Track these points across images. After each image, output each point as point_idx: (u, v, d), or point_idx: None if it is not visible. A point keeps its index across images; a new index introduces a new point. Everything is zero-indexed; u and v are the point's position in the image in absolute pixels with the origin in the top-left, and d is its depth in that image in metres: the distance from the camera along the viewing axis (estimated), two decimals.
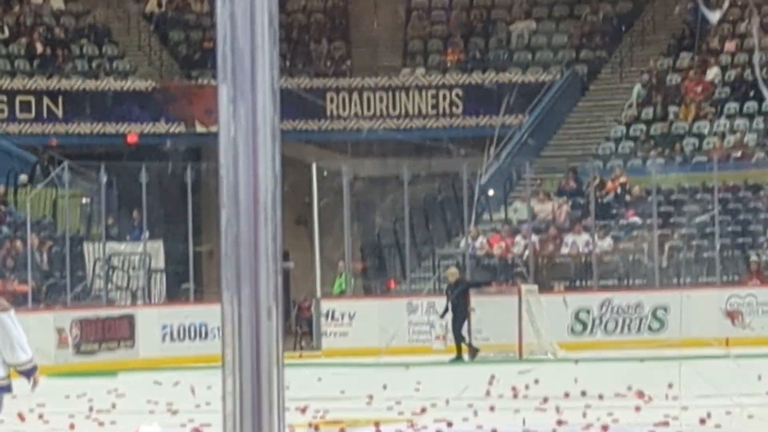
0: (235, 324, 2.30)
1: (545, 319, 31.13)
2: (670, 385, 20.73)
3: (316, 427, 18.54)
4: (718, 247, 33.94)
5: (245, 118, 2.28)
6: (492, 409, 20.02)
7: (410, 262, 35.06)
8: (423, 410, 20.25)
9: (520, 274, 33.83)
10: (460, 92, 38.69)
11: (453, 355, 30.36)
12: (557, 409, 19.20)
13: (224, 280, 2.34)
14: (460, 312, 29.75)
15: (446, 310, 30.10)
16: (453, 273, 31.02)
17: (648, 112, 38.05)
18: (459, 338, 30.23)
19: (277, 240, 2.32)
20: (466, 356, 30.36)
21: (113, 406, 22.53)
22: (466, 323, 30.16)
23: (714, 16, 36.93)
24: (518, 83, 38.55)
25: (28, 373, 12.85)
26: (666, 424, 17.75)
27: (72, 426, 19.76)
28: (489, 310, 31.31)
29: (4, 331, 13.37)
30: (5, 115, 37.78)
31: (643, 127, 38.10)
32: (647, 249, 34.45)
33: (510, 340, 30.87)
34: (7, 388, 12.83)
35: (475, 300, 31.13)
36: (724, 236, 34.39)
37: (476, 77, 39.00)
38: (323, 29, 41.31)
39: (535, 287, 32.08)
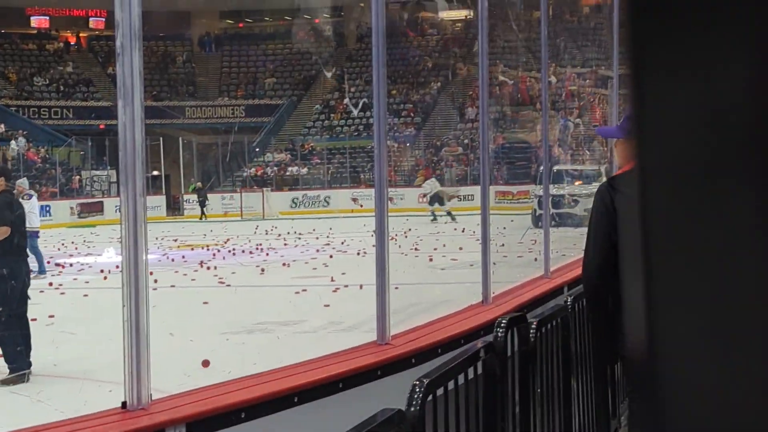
0: (124, 201, 3.58)
1: (273, 202, 43.15)
2: (330, 228, 31.97)
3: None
4: (349, 171, 51.50)
5: (129, 113, 3.50)
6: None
7: (223, 178, 50.25)
8: (227, 240, 35.15)
9: (270, 183, 47.33)
10: (244, 108, 55.17)
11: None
12: (284, 239, 33.75)
13: (120, 181, 3.67)
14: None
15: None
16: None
17: (321, 116, 53.27)
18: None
19: (144, 165, 3.58)
20: None
21: (94, 240, 31.24)
22: None
23: (329, 74, 60.62)
24: (268, 104, 55.06)
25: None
26: (328, 244, 26.12)
27: (76, 247, 27.11)
28: (252, 198, 43.75)
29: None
30: (48, 116, 52.32)
31: (319, 123, 52.76)
32: (322, 172, 48.90)
33: (260, 210, 42.42)
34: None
35: (247, 194, 44.71)
36: (351, 166, 48.10)
37: (251, 101, 55.45)
38: (184, 81, 57.11)
39: (269, 189, 45.42)
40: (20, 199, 17.53)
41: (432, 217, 33.65)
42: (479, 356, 4.02)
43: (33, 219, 17.97)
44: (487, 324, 5.59)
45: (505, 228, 22.43)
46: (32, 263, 12.72)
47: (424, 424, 3.16)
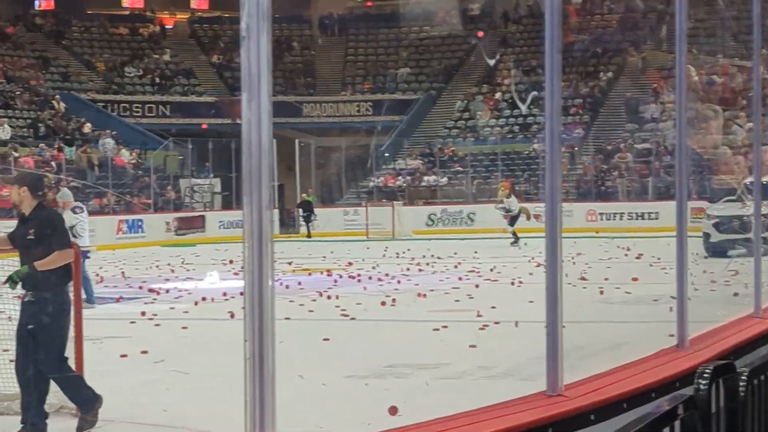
0: (249, 214, 3.53)
1: (405, 218, 43.80)
2: (476, 252, 29.98)
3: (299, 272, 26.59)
4: (499, 181, 44.58)
5: (255, 108, 3.50)
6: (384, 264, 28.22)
7: (345, 189, 52.13)
8: (350, 263, 27.92)
9: (401, 195, 48.53)
10: (371, 104, 56.36)
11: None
12: (419, 263, 27.18)
13: (244, 191, 3.55)
14: None
15: None
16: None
17: (465, 115, 54.73)
18: None
19: (271, 172, 3.52)
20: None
21: (193, 261, 31.61)
22: None
23: (492, 62, 54.40)
24: (401, 99, 56.28)
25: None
26: (473, 271, 24.37)
27: (173, 270, 27.51)
28: (379, 213, 44.48)
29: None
30: (141, 113, 54.18)
31: (462, 123, 54.28)
32: (465, 183, 48.94)
33: (389, 228, 43.02)
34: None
35: (373, 208, 44.96)
36: (502, 176, 46.34)
37: (379, 96, 56.58)
38: (301, 71, 59.05)
39: (401, 202, 46.03)
40: (72, 213, 18.35)
41: (513, 240, 34.26)
42: (677, 413, 3.95)
43: (83, 237, 18.41)
44: (684, 374, 5.52)
45: (697, 254, 21.97)
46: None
47: None
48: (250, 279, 3.51)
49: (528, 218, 34.64)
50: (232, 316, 16.29)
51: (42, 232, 9.11)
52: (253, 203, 3.53)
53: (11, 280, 9.00)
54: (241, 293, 3.46)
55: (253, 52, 3.56)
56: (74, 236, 18.47)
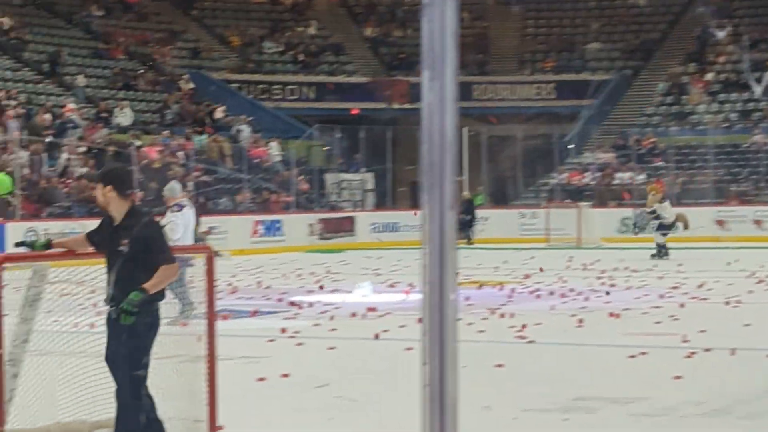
0: (430, 215, 3.49)
1: (593, 222, 43.43)
2: (680, 264, 29.81)
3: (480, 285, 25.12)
4: (711, 180, 47.57)
5: (438, 90, 3.51)
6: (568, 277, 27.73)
7: (521, 187, 52.03)
8: (527, 275, 27.95)
9: (589, 195, 47.69)
10: (554, 85, 56.42)
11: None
12: (610, 277, 26.97)
13: (425, 187, 3.52)
14: None
15: None
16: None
17: (668, 99, 54.28)
18: None
19: (456, 165, 3.51)
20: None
21: (341, 270, 31.47)
22: None
23: (721, 34, 52.72)
24: (589, 80, 55.59)
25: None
26: (677, 287, 24.24)
27: (317, 280, 27.47)
28: (562, 216, 43.93)
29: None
30: (281, 96, 54.76)
31: (665, 108, 53.82)
32: (666, 180, 45.49)
33: (573, 235, 42.87)
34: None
35: (555, 210, 44.98)
36: (715, 174, 48.07)
37: (564, 76, 56.62)
38: (472, 46, 57.39)
39: (589, 204, 45.13)
40: (168, 212, 18.78)
41: (657, 252, 34.39)
42: None
43: (185, 239, 18.75)
44: None
45: None
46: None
47: None
48: (430, 291, 3.53)
49: (686, 227, 34.98)
50: (377, 336, 16.49)
51: (139, 247, 9.04)
52: (434, 202, 3.53)
53: (126, 313, 8.87)
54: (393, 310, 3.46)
55: (437, 23, 3.56)
56: None
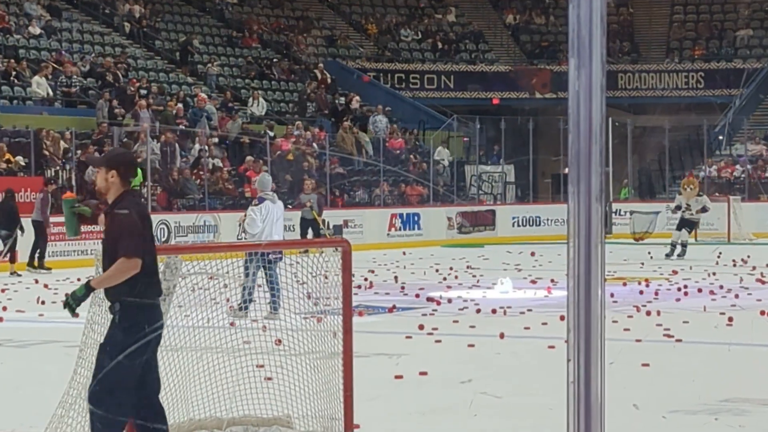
0: (576, 207, 3.52)
1: (744, 217, 43.62)
2: None
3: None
4: None
5: (585, 78, 3.53)
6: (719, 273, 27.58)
7: (668, 180, 51.12)
8: (675, 271, 27.52)
9: (739, 189, 48.02)
10: (703, 74, 56.12)
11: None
12: (761, 273, 26.41)
13: (571, 178, 3.54)
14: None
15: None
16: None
17: None
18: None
19: (603, 155, 3.54)
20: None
21: (481, 265, 31.39)
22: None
23: None
24: (740, 68, 55.30)
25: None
26: None
27: (456, 276, 27.72)
28: (712, 211, 38.47)
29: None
30: (418, 86, 55.29)
31: None
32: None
33: (723, 230, 42.78)
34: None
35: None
36: None
37: (713, 65, 56.33)
38: (617, 33, 58.10)
39: (739, 197, 45.56)
40: (250, 206, 18.88)
41: (678, 250, 33.37)
42: None
43: (268, 234, 18.90)
44: None
45: None
46: None
47: None
48: (576, 286, 3.53)
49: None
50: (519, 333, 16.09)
51: (112, 231, 8.62)
52: (580, 193, 3.53)
53: (67, 306, 8.58)
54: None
55: (584, 8, 3.56)
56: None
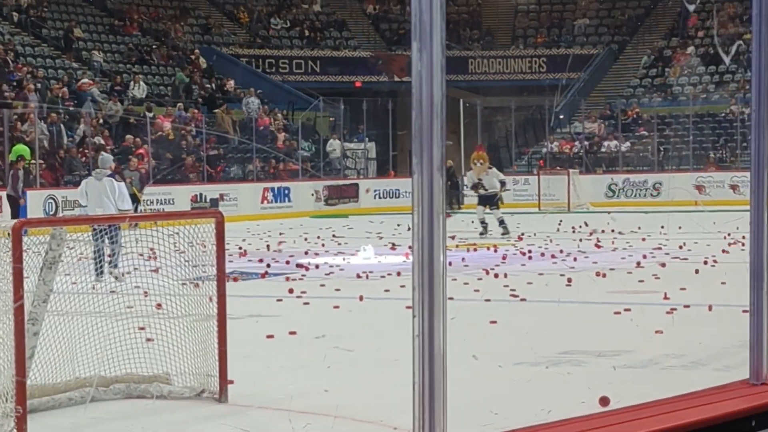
0: (419, 177, 3.55)
1: (582, 188, 44.29)
2: (662, 226, 28.45)
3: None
4: (691, 147, 47.99)
5: (426, 59, 3.56)
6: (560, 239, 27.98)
7: (515, 155, 52.44)
8: (520, 237, 28.26)
9: (578, 163, 48.78)
10: (545, 60, 57.08)
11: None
12: (598, 239, 26.58)
13: (414, 151, 3.58)
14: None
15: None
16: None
17: (651, 72, 54.76)
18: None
19: (444, 131, 3.57)
20: None
21: (345, 234, 31.47)
22: None
23: (691, 8, 51.51)
24: (578, 54, 55.68)
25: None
26: (659, 248, 24.25)
27: (323, 244, 27.58)
28: (553, 183, 44.71)
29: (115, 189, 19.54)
30: (287, 70, 55.14)
31: (648, 81, 54.41)
32: (650, 149, 49.13)
33: (563, 200, 43.36)
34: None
35: (546, 177, 45.23)
36: (694, 141, 48.29)
37: (554, 51, 57.27)
38: (467, 23, 59.47)
39: (578, 170, 46.31)
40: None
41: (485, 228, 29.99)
42: None
43: (98, 206, 19.59)
44: None
45: None
46: None
47: None
48: (420, 250, 3.55)
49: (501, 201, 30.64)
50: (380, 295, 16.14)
51: None
52: (423, 165, 3.55)
53: None
54: (399, 273, 3.49)
55: None
56: None
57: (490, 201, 29.79)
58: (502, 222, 29.47)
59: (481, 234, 29.34)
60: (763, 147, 4.96)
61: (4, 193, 31.89)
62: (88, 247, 11.91)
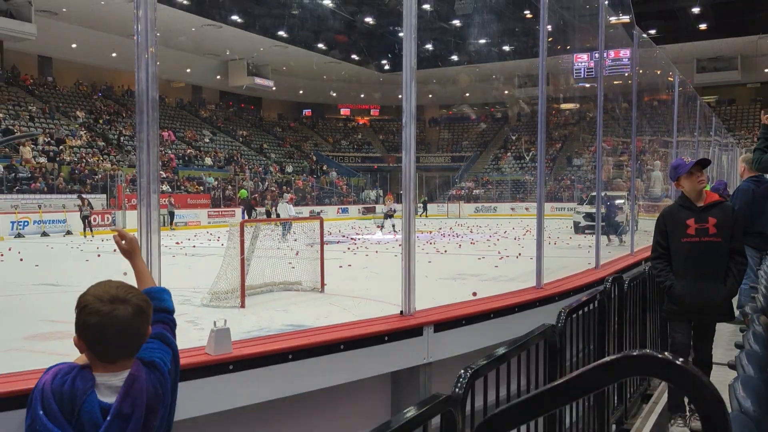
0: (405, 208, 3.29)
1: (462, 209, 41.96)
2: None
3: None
4: None
5: (408, 161, 3.12)
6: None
7: (439, 195, 47.73)
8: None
9: (464, 198, 44.84)
10: (451, 157, 51.18)
11: None
12: (470, 229, 23.68)
13: (404, 191, 3.15)
14: None
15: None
16: None
17: None
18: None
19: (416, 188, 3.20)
20: None
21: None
22: None
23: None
24: (464, 155, 50.61)
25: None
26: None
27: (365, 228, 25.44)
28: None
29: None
30: (346, 161, 50.62)
31: None
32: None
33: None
34: None
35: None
36: None
37: (457, 153, 51.64)
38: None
39: (463, 201, 44.92)
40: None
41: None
42: (596, 297, 3.90)
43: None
44: (597, 280, 5.25)
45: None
46: None
47: (566, 334, 3.07)
48: (406, 226, 3.34)
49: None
50: None
51: None
52: (407, 200, 3.22)
53: None
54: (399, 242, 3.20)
55: (409, 130, 3.24)
56: None
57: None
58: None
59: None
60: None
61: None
62: (275, 230, 11.37)
